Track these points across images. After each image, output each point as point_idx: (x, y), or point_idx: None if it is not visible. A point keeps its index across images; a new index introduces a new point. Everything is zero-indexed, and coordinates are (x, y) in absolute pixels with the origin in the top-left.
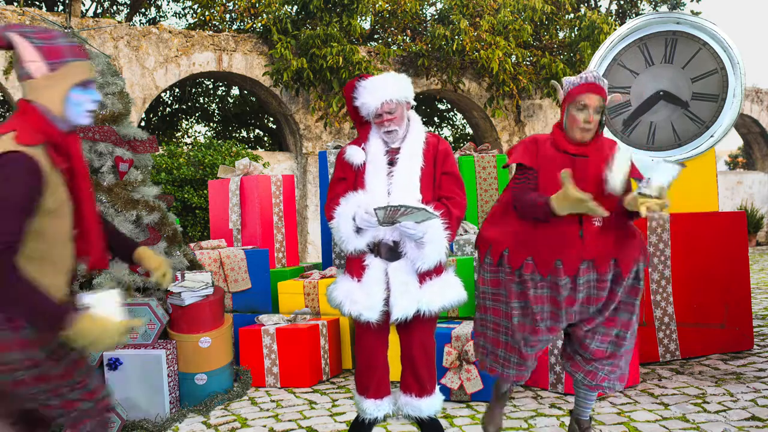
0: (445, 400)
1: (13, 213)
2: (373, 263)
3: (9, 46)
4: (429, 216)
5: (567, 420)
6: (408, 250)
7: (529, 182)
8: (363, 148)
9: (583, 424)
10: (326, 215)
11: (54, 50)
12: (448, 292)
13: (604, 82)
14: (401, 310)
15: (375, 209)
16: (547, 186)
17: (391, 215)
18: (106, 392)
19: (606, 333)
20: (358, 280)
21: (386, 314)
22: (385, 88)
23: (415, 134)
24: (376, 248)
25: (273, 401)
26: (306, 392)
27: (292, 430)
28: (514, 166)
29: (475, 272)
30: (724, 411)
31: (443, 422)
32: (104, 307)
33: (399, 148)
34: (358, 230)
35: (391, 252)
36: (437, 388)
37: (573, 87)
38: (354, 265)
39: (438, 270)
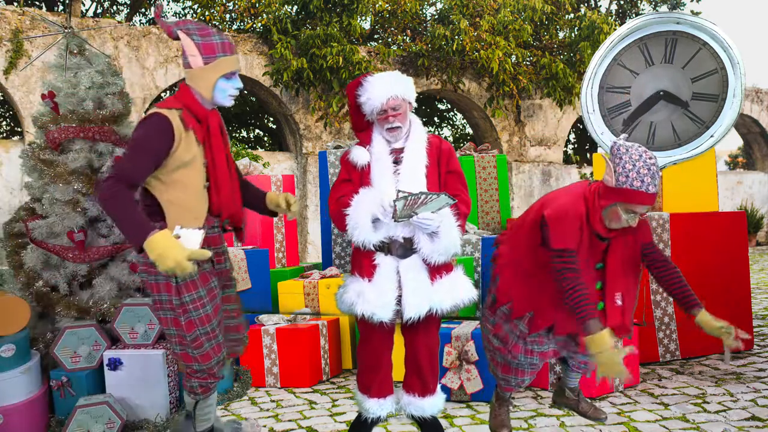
0: (445, 400)
1: (141, 154)
2: (384, 262)
3: (177, 38)
4: (447, 201)
5: (567, 420)
6: (421, 244)
7: (574, 263)
8: (367, 150)
9: (575, 390)
10: (331, 214)
11: (209, 47)
12: (459, 290)
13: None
14: (414, 309)
15: (395, 200)
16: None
17: (411, 206)
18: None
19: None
20: (369, 280)
21: (396, 313)
22: (392, 84)
23: (417, 134)
24: (386, 246)
25: (273, 401)
26: (306, 392)
27: (292, 430)
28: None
29: (481, 309)
30: (724, 411)
31: (443, 422)
32: (183, 235)
33: (403, 148)
34: (375, 223)
35: (404, 249)
36: (439, 387)
37: (634, 192)
38: (363, 265)
39: (448, 268)
